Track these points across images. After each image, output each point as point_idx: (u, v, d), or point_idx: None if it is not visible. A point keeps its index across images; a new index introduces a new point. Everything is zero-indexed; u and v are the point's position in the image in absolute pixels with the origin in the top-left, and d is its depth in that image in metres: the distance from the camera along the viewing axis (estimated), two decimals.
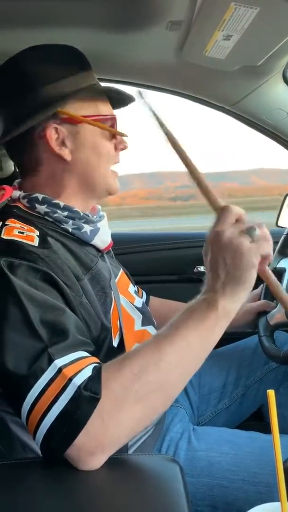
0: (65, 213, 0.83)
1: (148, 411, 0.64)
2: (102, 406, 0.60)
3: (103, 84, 0.91)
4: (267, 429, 0.91)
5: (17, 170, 1.09)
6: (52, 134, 0.82)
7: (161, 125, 0.73)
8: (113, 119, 0.87)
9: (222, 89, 1.35)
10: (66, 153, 0.83)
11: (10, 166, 1.58)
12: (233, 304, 0.68)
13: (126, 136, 0.89)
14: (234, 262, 0.66)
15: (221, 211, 0.69)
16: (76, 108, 0.83)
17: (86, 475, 0.61)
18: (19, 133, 0.81)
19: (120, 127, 0.90)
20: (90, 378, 0.62)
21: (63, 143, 0.83)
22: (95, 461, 0.61)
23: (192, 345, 0.66)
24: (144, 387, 0.63)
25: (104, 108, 0.88)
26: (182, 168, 0.74)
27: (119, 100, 0.91)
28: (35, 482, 0.62)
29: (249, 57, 1.07)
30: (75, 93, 0.83)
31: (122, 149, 0.90)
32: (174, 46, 1.12)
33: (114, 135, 0.88)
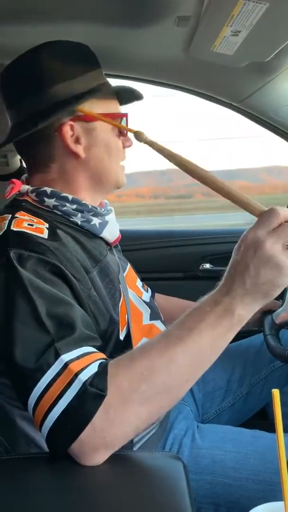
0: (74, 206, 0.84)
1: (154, 411, 0.64)
2: (109, 403, 0.61)
3: (110, 80, 0.91)
4: (271, 428, 0.91)
5: (24, 165, 1.10)
6: (68, 131, 0.83)
7: (172, 157, 0.74)
8: (124, 117, 0.89)
9: (230, 85, 1.34)
10: (80, 150, 0.84)
11: (17, 162, 1.58)
12: (249, 313, 0.66)
13: (141, 133, 0.87)
14: (267, 277, 0.63)
15: (264, 214, 0.64)
16: (90, 106, 0.84)
17: (91, 470, 0.61)
18: (37, 129, 0.81)
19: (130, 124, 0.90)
20: (96, 374, 0.62)
21: (77, 140, 0.84)
22: (98, 457, 0.61)
23: (203, 349, 0.65)
24: (151, 388, 0.62)
25: (115, 106, 0.89)
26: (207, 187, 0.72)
27: (127, 97, 0.92)
28: (39, 477, 0.63)
29: (257, 53, 1.06)
30: (92, 92, 0.84)
31: (128, 146, 0.92)
32: (182, 41, 1.11)
33: (121, 132, 0.89)
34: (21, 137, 0.83)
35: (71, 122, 0.83)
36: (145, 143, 0.79)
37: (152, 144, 0.77)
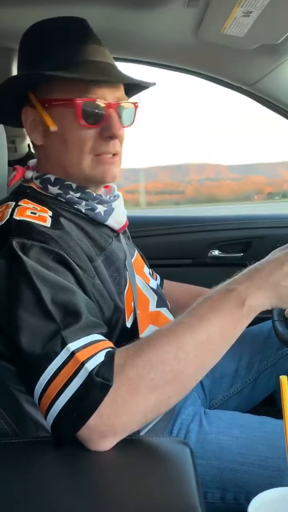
0: (78, 194, 0.83)
1: (163, 400, 0.64)
2: (117, 390, 0.61)
3: (118, 63, 0.89)
4: (279, 415, 0.91)
5: (33, 151, 1.09)
6: (27, 116, 0.82)
7: None
8: (75, 104, 0.77)
9: (240, 68, 1.32)
10: (35, 137, 0.83)
11: (25, 147, 1.58)
12: (259, 307, 0.67)
13: (105, 121, 0.79)
14: None
15: None
16: (47, 91, 0.79)
17: (98, 455, 0.61)
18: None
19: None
20: (102, 363, 0.62)
21: (36, 127, 0.83)
22: (106, 443, 0.62)
23: (213, 339, 0.65)
24: (160, 376, 0.62)
25: (86, 91, 0.78)
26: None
27: (135, 85, 0.88)
28: (47, 460, 0.63)
29: (269, 35, 1.04)
30: (39, 76, 0.78)
31: (109, 137, 0.80)
32: (192, 23, 1.09)
33: (99, 121, 0.79)
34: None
35: (29, 107, 0.82)
36: None
37: None
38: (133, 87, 0.89)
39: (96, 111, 0.78)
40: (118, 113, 0.81)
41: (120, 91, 0.83)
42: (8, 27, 1.17)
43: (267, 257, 0.70)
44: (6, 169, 1.03)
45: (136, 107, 0.85)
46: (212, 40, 1.09)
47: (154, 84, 0.91)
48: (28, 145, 1.57)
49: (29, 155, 1.56)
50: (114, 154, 0.82)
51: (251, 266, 0.69)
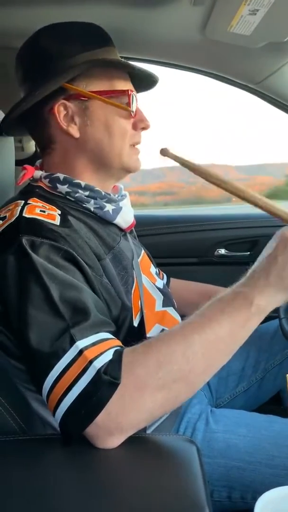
0: (87, 193, 0.83)
1: (170, 399, 0.64)
2: (125, 388, 0.61)
3: None
4: (285, 413, 0.91)
5: (38, 150, 1.09)
6: (60, 110, 0.82)
7: (196, 169, 0.73)
8: (127, 95, 0.83)
9: (247, 67, 1.31)
10: (74, 130, 0.83)
11: (32, 147, 1.58)
12: (269, 305, 0.67)
13: (128, 110, 0.84)
14: None
15: None
16: (87, 84, 0.82)
17: (105, 452, 0.62)
18: (27, 107, 0.81)
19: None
20: (110, 362, 0.62)
21: (72, 120, 0.83)
22: (113, 441, 0.62)
23: (221, 339, 0.65)
24: (168, 375, 0.62)
25: (120, 85, 0.84)
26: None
27: (142, 80, 0.89)
28: (54, 458, 0.64)
29: (276, 33, 1.03)
30: (81, 67, 0.80)
31: (144, 128, 0.87)
32: (198, 22, 1.08)
33: (135, 112, 0.85)
34: (15, 116, 0.83)
35: (64, 101, 0.82)
36: (170, 158, 0.76)
37: (176, 159, 0.75)
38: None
39: (134, 101, 0.84)
40: None
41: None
42: (13, 27, 1.17)
43: (261, 255, 0.70)
44: (14, 168, 1.03)
45: None
46: (219, 39, 1.09)
47: (158, 81, 0.93)
48: (35, 145, 1.58)
49: (36, 155, 1.56)
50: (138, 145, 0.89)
51: (251, 268, 0.69)
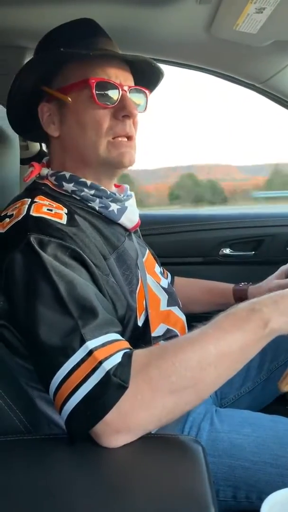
0: (92, 192, 0.83)
1: (179, 405, 0.64)
2: (138, 388, 0.61)
3: None
4: None
5: (44, 149, 1.10)
6: (44, 111, 0.84)
7: None
8: (88, 85, 0.78)
9: (253, 65, 1.30)
10: (52, 130, 0.85)
11: (36, 145, 1.59)
12: (280, 330, 0.67)
13: (119, 102, 0.80)
14: None
15: None
16: (62, 83, 0.83)
17: (110, 452, 0.62)
18: (16, 112, 0.86)
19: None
20: (120, 364, 0.62)
21: (52, 120, 0.85)
22: (118, 440, 0.62)
23: (234, 353, 0.66)
24: (180, 381, 0.63)
25: (102, 72, 0.80)
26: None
27: (147, 73, 0.89)
28: (59, 457, 0.64)
29: (282, 31, 1.03)
30: (47, 65, 0.81)
31: (125, 116, 0.81)
32: (204, 20, 1.08)
33: (114, 101, 0.80)
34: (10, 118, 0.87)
35: (45, 103, 0.84)
36: None
37: None
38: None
39: (111, 90, 0.80)
40: (130, 96, 0.83)
41: (131, 80, 0.86)
42: (20, 26, 1.17)
43: None
44: (19, 166, 1.03)
45: (147, 94, 0.87)
46: (225, 37, 1.08)
47: (162, 73, 0.91)
48: (40, 143, 1.58)
49: (41, 153, 1.57)
50: (129, 138, 0.83)
51: (278, 292, 0.70)
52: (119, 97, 0.81)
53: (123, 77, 0.83)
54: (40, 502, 0.54)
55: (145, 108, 0.88)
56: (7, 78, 0.92)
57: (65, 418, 0.62)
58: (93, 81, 0.79)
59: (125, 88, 0.82)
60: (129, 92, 0.83)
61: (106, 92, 0.80)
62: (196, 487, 0.55)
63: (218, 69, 1.38)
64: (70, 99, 0.81)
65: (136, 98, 0.85)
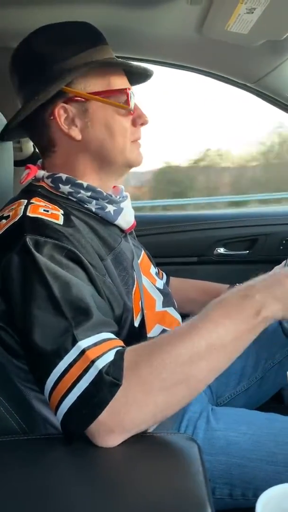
0: (89, 193, 0.83)
1: (172, 401, 0.64)
2: (129, 387, 0.61)
3: None
4: (286, 411, 0.91)
5: (37, 151, 1.09)
6: (60, 113, 0.82)
7: None
8: (125, 93, 0.84)
9: (244, 65, 1.31)
10: (75, 132, 0.83)
11: (30, 147, 1.58)
12: (274, 316, 0.67)
13: (127, 108, 0.84)
14: None
15: None
16: (85, 85, 0.82)
17: (106, 451, 0.62)
18: (28, 113, 0.81)
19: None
20: (112, 362, 0.62)
21: (73, 122, 0.83)
22: (113, 440, 0.62)
23: (226, 345, 0.65)
24: (171, 377, 0.62)
25: (118, 83, 0.85)
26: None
27: (138, 75, 0.90)
28: (56, 457, 0.64)
29: (273, 31, 1.03)
30: (81, 69, 0.80)
31: (143, 124, 0.88)
32: (195, 21, 1.09)
33: (133, 109, 0.85)
34: (17, 122, 0.83)
35: (63, 104, 0.82)
36: None
37: None
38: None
39: (134, 100, 0.85)
40: None
41: None
42: (10, 27, 1.17)
43: (280, 268, 0.71)
44: (12, 169, 1.03)
45: None
46: (216, 37, 1.09)
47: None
48: (33, 145, 1.58)
49: (34, 155, 1.57)
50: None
51: (270, 274, 0.69)
52: (136, 104, 0.86)
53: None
54: (36, 502, 0.54)
55: None
56: (2, 82, 0.92)
57: (60, 419, 0.63)
58: (129, 91, 0.84)
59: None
60: None
61: (130, 101, 0.84)
62: (192, 485, 0.55)
63: (210, 69, 1.39)
64: (101, 104, 0.82)
65: None
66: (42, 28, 0.84)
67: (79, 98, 0.82)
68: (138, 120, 0.87)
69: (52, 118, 0.82)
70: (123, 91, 0.84)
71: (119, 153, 0.86)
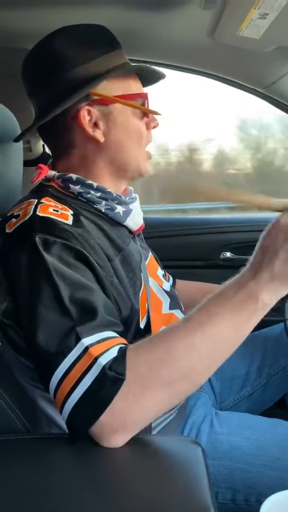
0: (98, 194, 0.84)
1: (173, 396, 0.64)
2: (128, 386, 0.61)
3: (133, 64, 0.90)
4: None
5: (47, 151, 1.09)
6: (85, 115, 0.82)
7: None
8: (144, 97, 0.86)
9: (256, 70, 1.31)
10: (99, 135, 0.83)
11: (39, 148, 1.59)
12: (273, 299, 0.65)
13: (159, 114, 0.88)
14: None
15: None
16: (107, 88, 0.82)
17: (110, 453, 0.62)
18: (52, 116, 0.81)
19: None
20: (115, 358, 0.62)
21: (95, 125, 0.83)
22: (118, 439, 0.62)
23: (225, 335, 0.64)
24: (171, 373, 0.63)
25: (135, 87, 0.86)
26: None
27: (150, 78, 0.90)
28: (59, 457, 0.64)
29: (285, 37, 1.04)
30: (106, 74, 0.81)
31: (154, 127, 0.89)
32: (207, 25, 1.09)
33: (145, 113, 0.87)
34: (38, 125, 0.83)
35: (88, 107, 0.82)
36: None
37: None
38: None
39: (146, 103, 0.86)
40: None
41: None
42: (21, 28, 1.18)
43: (258, 248, 0.67)
44: (22, 169, 1.04)
45: None
46: (228, 42, 1.09)
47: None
48: (43, 145, 1.59)
49: (44, 155, 1.57)
50: None
51: (250, 261, 0.67)
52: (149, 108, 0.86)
53: None
54: (40, 501, 0.54)
55: None
56: (11, 81, 0.93)
57: (66, 416, 0.63)
58: (146, 95, 0.86)
59: None
60: None
61: (146, 105, 0.86)
62: (196, 489, 0.55)
63: (221, 74, 1.39)
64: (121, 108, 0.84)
65: None
66: (61, 30, 0.84)
67: (103, 101, 0.82)
68: (151, 123, 0.88)
69: (75, 119, 0.82)
70: (142, 95, 0.86)
71: (134, 159, 0.87)
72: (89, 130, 0.82)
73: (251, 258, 0.67)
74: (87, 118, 0.82)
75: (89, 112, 0.82)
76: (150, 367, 0.62)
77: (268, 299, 0.64)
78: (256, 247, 0.67)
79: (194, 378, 0.65)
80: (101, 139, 0.83)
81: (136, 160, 0.87)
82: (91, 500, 0.54)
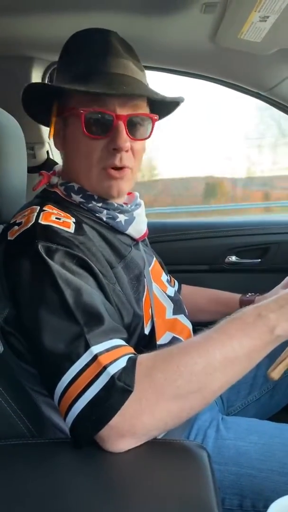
0: (100, 204, 0.84)
1: (184, 409, 0.64)
2: (143, 391, 0.61)
3: None
4: None
5: (51, 157, 1.10)
6: (55, 126, 0.85)
7: None
8: (80, 116, 0.77)
9: (257, 74, 1.31)
10: (58, 144, 0.86)
11: (43, 154, 1.60)
12: (286, 336, 0.67)
13: (111, 135, 0.78)
14: None
15: None
16: (71, 101, 0.81)
17: (115, 457, 0.61)
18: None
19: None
20: (124, 369, 0.62)
21: (59, 134, 0.86)
22: (124, 444, 0.62)
23: (239, 359, 0.65)
24: (186, 385, 0.62)
25: (98, 103, 0.78)
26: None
27: (165, 107, 0.90)
28: (63, 462, 0.64)
29: (286, 39, 1.04)
30: (60, 89, 0.80)
31: (115, 150, 0.79)
32: (208, 29, 1.09)
33: (106, 132, 0.78)
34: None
35: (55, 116, 0.85)
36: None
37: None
38: (163, 104, 0.88)
39: (102, 122, 0.78)
40: (128, 126, 0.79)
41: (136, 104, 0.81)
42: (28, 36, 1.19)
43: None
44: (26, 175, 1.04)
45: (154, 120, 0.83)
46: (229, 46, 1.09)
47: (180, 99, 0.89)
48: (47, 152, 1.60)
49: (48, 162, 1.58)
50: (122, 168, 0.81)
51: (282, 294, 0.69)
52: (112, 129, 0.78)
53: (122, 104, 0.79)
54: (44, 506, 0.54)
55: (150, 135, 0.84)
56: (14, 87, 0.93)
57: (70, 424, 0.62)
58: (82, 111, 0.77)
59: (121, 118, 0.78)
60: (128, 120, 0.79)
61: (96, 123, 0.78)
62: (201, 494, 0.55)
63: (223, 78, 1.39)
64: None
65: (138, 125, 0.82)
66: (76, 32, 0.86)
67: (61, 113, 0.84)
68: (111, 144, 0.79)
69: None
70: (77, 111, 0.78)
71: (85, 178, 0.82)
72: (54, 138, 0.86)
73: (280, 293, 0.70)
74: (56, 127, 0.85)
75: (57, 122, 0.85)
76: (167, 375, 0.62)
77: (282, 335, 0.67)
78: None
79: (207, 394, 0.65)
80: (60, 149, 0.86)
81: (87, 178, 0.82)
82: (96, 504, 0.54)
